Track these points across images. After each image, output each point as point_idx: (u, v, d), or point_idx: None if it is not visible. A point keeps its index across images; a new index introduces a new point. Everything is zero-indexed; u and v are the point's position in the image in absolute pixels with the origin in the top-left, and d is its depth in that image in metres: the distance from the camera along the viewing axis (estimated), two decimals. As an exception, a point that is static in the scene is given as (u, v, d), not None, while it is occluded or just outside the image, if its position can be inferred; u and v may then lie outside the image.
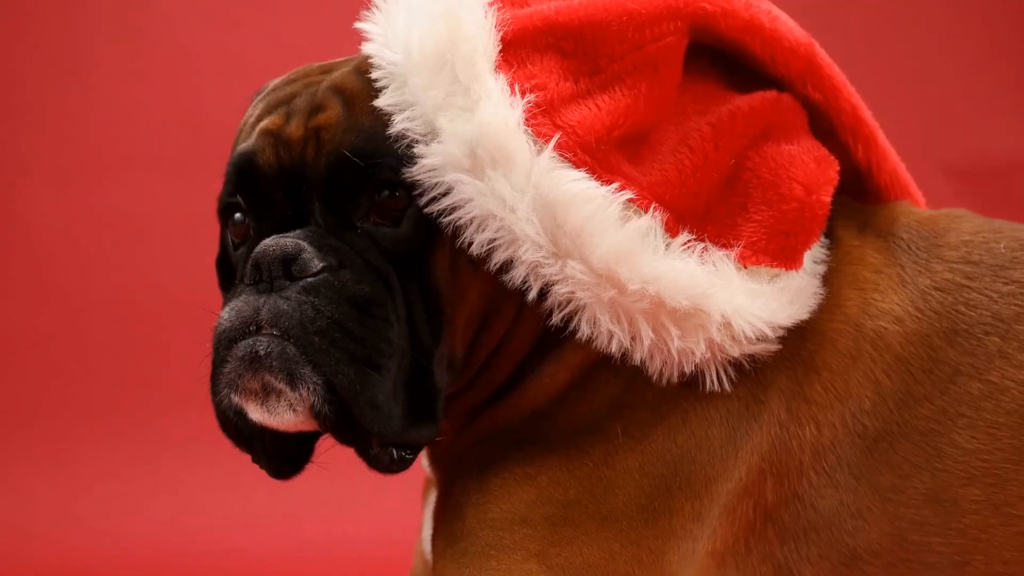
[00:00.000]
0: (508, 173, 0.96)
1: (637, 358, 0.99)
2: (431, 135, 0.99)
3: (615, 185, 0.97)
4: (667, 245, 0.98)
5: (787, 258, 1.02)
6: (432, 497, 1.16)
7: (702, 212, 1.02)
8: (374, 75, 1.04)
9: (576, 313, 0.99)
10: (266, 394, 0.98)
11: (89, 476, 2.39)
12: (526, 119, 0.98)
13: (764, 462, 1.01)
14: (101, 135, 2.59)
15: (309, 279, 0.99)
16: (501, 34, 1.01)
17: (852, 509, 1.01)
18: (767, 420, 1.02)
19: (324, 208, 1.03)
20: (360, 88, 1.06)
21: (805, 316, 1.03)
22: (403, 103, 1.00)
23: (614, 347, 0.98)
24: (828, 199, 1.06)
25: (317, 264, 0.99)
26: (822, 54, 1.12)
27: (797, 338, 1.04)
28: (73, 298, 2.53)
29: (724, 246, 1.01)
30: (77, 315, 2.53)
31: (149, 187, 2.57)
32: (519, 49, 1.01)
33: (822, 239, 1.10)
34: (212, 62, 2.60)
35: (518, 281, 0.99)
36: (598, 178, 0.98)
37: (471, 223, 0.98)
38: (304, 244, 1.00)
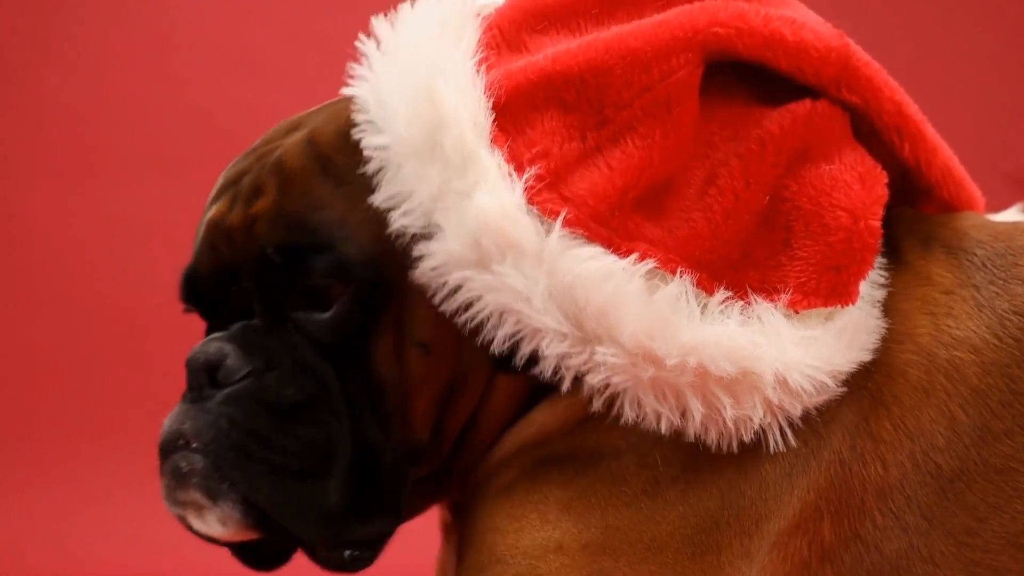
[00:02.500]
0: (518, 262, 0.92)
1: (690, 433, 0.95)
2: (432, 228, 0.95)
3: (634, 256, 0.93)
4: (704, 307, 0.94)
5: (840, 295, 0.98)
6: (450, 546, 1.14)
7: (739, 260, 0.98)
8: (367, 159, 1.01)
9: (616, 397, 0.95)
10: (199, 508, 1.00)
11: (78, 497, 2.38)
12: (530, 197, 0.93)
13: (821, 499, 0.98)
14: (103, 133, 2.57)
15: (232, 387, 0.99)
16: (493, 100, 0.96)
17: (923, 553, 0.98)
18: (827, 457, 0.98)
19: (260, 304, 1.03)
20: (300, 166, 1.03)
21: (867, 357, 0.99)
22: (399, 195, 0.96)
23: (663, 426, 0.94)
24: (877, 222, 1.01)
25: (242, 370, 0.99)
26: (858, 54, 1.07)
27: (864, 370, 1.00)
28: (70, 306, 2.52)
29: (770, 293, 0.97)
30: (72, 324, 2.51)
31: (154, 189, 2.55)
32: (516, 111, 0.97)
33: (880, 259, 1.05)
34: (225, 59, 2.59)
35: (548, 375, 0.95)
36: (616, 249, 0.93)
37: (488, 320, 0.94)
38: (229, 348, 1.00)
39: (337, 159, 1.04)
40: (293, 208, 1.02)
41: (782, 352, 0.94)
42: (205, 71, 2.59)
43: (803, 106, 1.02)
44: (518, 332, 0.94)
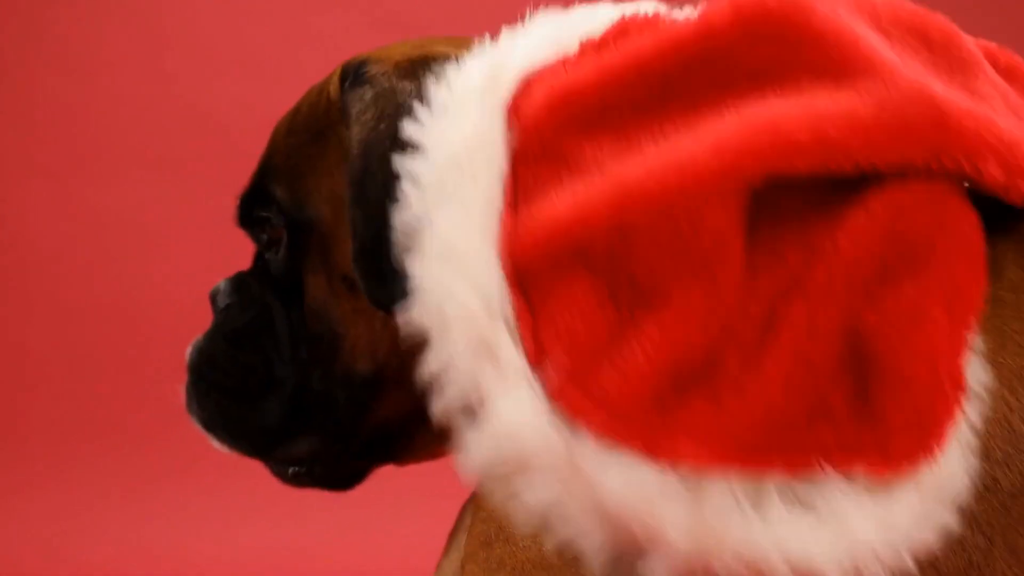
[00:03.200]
0: (547, 474, 0.87)
1: None
2: (468, 423, 0.90)
3: (669, 461, 0.85)
4: (758, 497, 0.87)
5: (924, 449, 0.90)
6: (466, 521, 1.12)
7: (807, 420, 0.89)
8: (318, 113, 1.11)
9: None
10: None
11: (73, 504, 2.33)
12: (553, 396, 0.87)
13: None
14: (95, 130, 2.53)
15: (217, 319, 1.15)
16: (511, 265, 0.90)
17: (984, 573, 0.92)
18: None
19: (255, 246, 1.17)
20: (286, 118, 1.15)
21: (954, 519, 0.90)
22: (437, 377, 0.92)
23: None
24: (960, 364, 0.92)
25: (223, 303, 1.15)
26: (958, 116, 0.91)
27: None
28: (62, 307, 2.48)
29: (847, 455, 0.89)
30: (65, 325, 2.47)
31: (148, 188, 2.51)
32: (539, 277, 0.89)
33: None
34: (220, 55, 2.55)
35: None
36: (653, 451, 0.86)
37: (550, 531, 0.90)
38: (222, 285, 1.17)
39: (301, 109, 1.14)
40: (263, 158, 1.16)
41: (849, 538, 0.87)
42: (200, 67, 2.55)
43: (885, 202, 0.91)
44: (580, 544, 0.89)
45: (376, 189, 0.98)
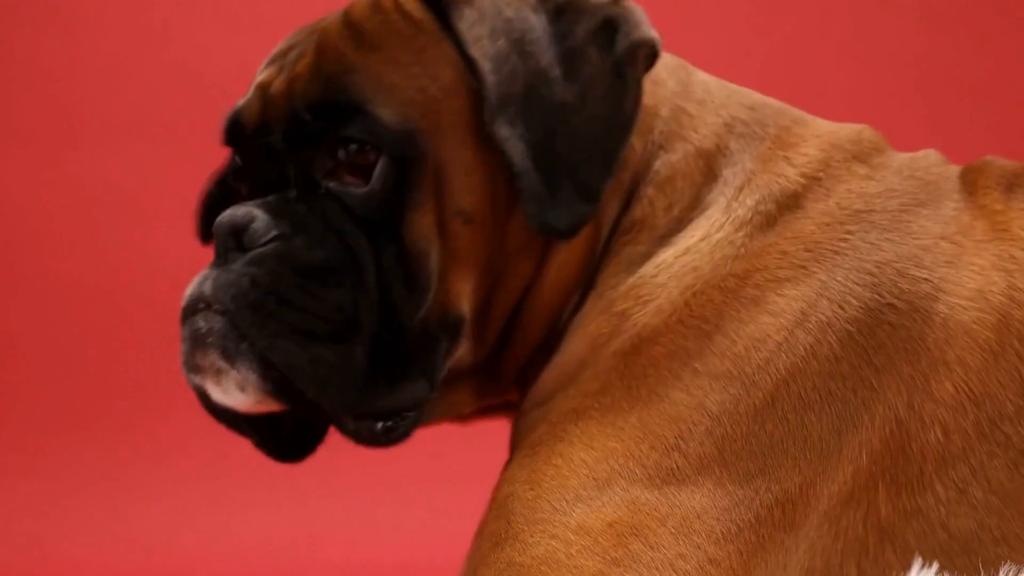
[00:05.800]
0: None
1: None
2: None
3: None
4: None
5: None
6: None
7: None
8: (395, 23, 1.08)
9: None
10: (217, 373, 1.04)
11: (60, 493, 2.35)
12: None
13: (875, 465, 0.95)
14: (80, 93, 2.52)
15: (259, 249, 1.05)
16: None
17: (996, 535, 0.95)
18: (881, 414, 0.95)
19: (295, 170, 1.09)
20: (336, 33, 1.10)
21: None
22: None
23: None
24: None
25: (269, 232, 1.05)
26: None
27: (922, 323, 0.97)
28: (46, 287, 2.48)
29: None
30: (49, 307, 2.48)
31: (137, 156, 2.50)
32: None
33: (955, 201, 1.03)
34: (213, 9, 2.54)
35: None
36: None
37: None
38: (258, 212, 1.06)
39: (367, 26, 1.09)
40: (327, 70, 1.07)
41: None
42: (192, 24, 2.55)
43: None
44: None
45: (533, 106, 1.03)
